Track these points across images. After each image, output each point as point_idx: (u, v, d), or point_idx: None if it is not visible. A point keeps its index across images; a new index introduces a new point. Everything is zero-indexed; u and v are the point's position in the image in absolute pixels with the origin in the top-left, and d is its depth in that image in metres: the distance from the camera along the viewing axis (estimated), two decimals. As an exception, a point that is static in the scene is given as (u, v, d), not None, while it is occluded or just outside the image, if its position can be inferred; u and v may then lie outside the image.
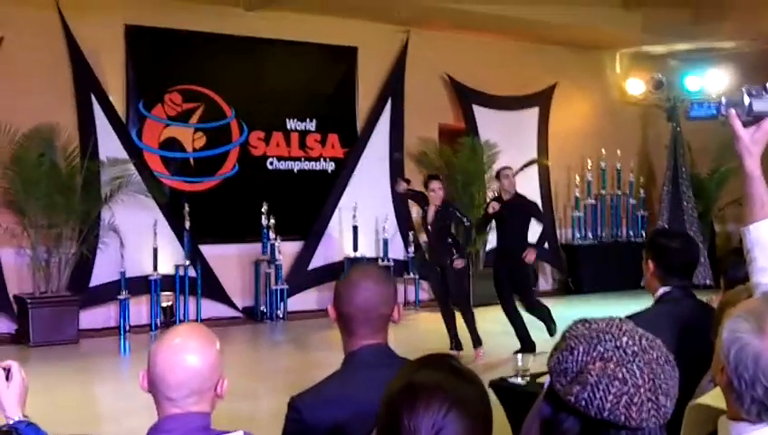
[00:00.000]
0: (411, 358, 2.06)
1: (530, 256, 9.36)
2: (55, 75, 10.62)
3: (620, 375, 1.50)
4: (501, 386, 4.54)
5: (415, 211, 12.89)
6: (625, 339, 1.55)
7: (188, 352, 2.27)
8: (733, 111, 2.33)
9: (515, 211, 9.38)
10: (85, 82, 10.74)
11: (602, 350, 1.53)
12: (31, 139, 9.99)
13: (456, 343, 9.19)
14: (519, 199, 9.57)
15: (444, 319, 9.28)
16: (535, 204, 9.74)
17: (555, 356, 1.59)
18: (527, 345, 9.08)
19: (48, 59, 10.59)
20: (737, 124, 2.33)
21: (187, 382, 2.26)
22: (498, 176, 9.77)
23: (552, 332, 9.37)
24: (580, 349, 1.55)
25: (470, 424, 1.52)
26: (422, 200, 9.49)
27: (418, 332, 9.19)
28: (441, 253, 9.20)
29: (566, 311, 12.42)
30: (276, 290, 11.54)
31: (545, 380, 1.64)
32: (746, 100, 2.31)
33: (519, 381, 4.45)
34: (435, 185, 9.22)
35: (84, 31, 10.69)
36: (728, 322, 1.87)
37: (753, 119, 2.33)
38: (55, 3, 10.53)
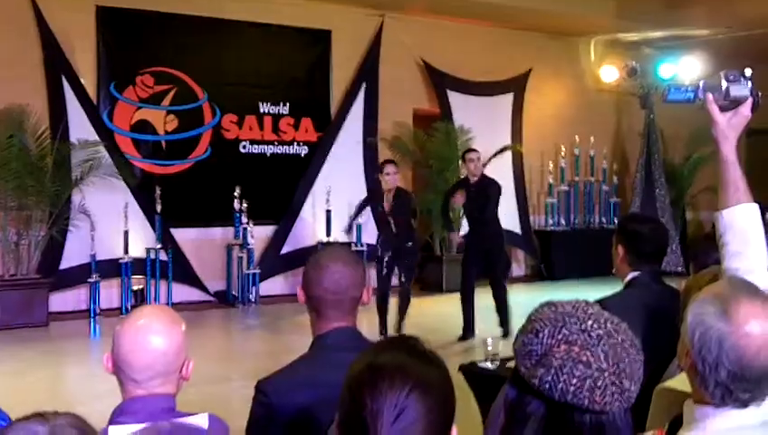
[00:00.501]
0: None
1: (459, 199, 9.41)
2: (26, 57, 10.50)
3: (584, 359, 1.50)
4: (470, 370, 4.55)
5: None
6: (590, 322, 1.54)
7: (153, 334, 2.25)
8: (710, 95, 2.33)
9: (482, 194, 9.38)
10: (56, 64, 10.63)
11: (567, 333, 1.53)
12: (1, 120, 9.86)
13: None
14: (485, 181, 9.55)
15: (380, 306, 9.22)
16: (497, 184, 9.71)
17: (521, 339, 1.59)
18: (470, 333, 9.31)
19: (18, 40, 10.47)
20: (714, 109, 2.34)
21: (152, 364, 2.24)
22: (464, 159, 9.77)
23: (505, 332, 9.27)
24: (546, 332, 1.54)
25: (432, 406, 1.51)
26: (373, 201, 9.43)
27: (389, 315, 9.21)
28: (403, 238, 9.17)
29: (538, 296, 12.29)
30: (248, 274, 11.50)
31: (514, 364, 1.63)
32: (724, 84, 2.32)
33: (488, 365, 4.46)
34: (390, 168, 9.17)
35: (55, 12, 10.57)
36: (693, 305, 1.87)
37: (729, 103, 2.34)
38: (25, -16, 10.41)
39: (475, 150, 9.87)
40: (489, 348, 4.46)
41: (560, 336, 1.53)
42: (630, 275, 3.65)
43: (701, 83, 2.36)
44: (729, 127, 2.34)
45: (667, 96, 2.39)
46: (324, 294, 2.64)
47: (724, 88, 2.32)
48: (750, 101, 2.34)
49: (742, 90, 2.33)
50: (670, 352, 2.75)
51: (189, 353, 2.35)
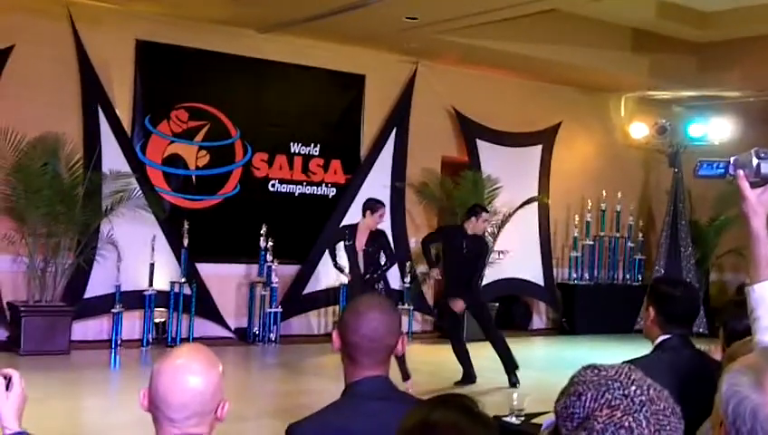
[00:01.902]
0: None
1: (459, 306, 9.54)
2: (64, 86, 10.66)
3: (627, 424, 1.51)
4: (495, 424, 4.52)
5: (413, 241, 12.92)
6: (633, 388, 1.56)
7: (192, 374, 2.26)
8: (741, 171, 2.36)
9: (475, 249, 9.56)
10: (93, 94, 10.77)
11: (610, 397, 1.54)
12: (35, 147, 10.00)
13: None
14: (479, 239, 9.75)
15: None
16: (488, 244, 9.83)
17: (563, 401, 1.60)
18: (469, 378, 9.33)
19: (57, 69, 10.62)
20: (745, 185, 2.37)
21: (189, 404, 2.24)
22: (476, 214, 9.73)
23: (511, 381, 9.33)
24: (589, 395, 1.56)
25: None
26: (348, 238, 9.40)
27: (411, 363, 9.16)
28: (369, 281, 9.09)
29: (560, 351, 12.45)
30: (270, 313, 11.51)
31: (543, 420, 1.64)
32: (755, 161, 2.35)
33: (513, 420, 4.44)
34: (382, 210, 9.37)
35: (95, 43, 10.73)
36: (727, 376, 1.88)
37: (760, 180, 2.37)
38: (68, 14, 10.58)
39: (488, 211, 10.12)
40: (515, 403, 4.44)
41: (602, 400, 1.54)
42: (660, 338, 3.63)
43: (732, 159, 2.40)
44: (759, 203, 2.38)
45: (698, 171, 2.43)
46: (361, 340, 2.63)
47: (755, 165, 2.35)
48: None
49: None
50: (700, 418, 2.75)
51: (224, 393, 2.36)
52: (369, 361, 2.66)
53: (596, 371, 1.61)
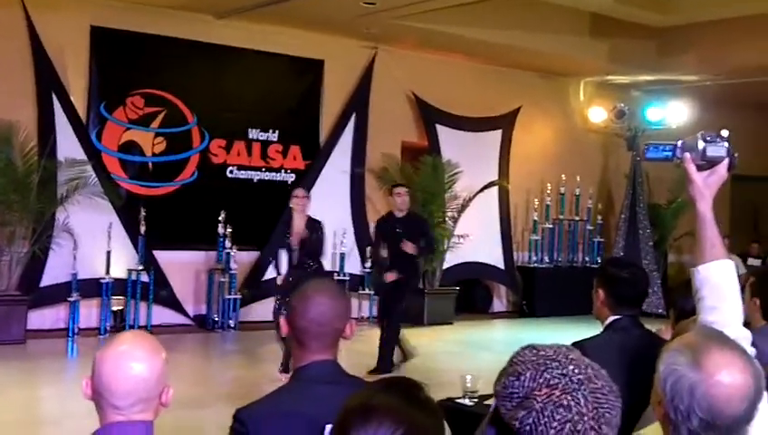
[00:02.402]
0: (359, 374, 2.05)
1: (408, 247, 9.08)
2: (17, 73, 10.52)
3: (565, 402, 1.52)
4: (448, 406, 4.55)
5: (373, 226, 12.92)
6: (571, 367, 1.56)
7: (135, 360, 2.25)
8: (687, 154, 2.39)
9: (409, 229, 9.26)
10: (47, 81, 10.64)
11: (549, 377, 1.55)
12: (-12, 135, 9.86)
13: None
14: (413, 217, 9.54)
15: None
16: (425, 221, 9.65)
17: (502, 381, 1.60)
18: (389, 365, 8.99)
19: (11, 56, 10.48)
20: (691, 168, 2.40)
21: (134, 391, 2.23)
22: (391, 193, 9.65)
23: (378, 368, 8.86)
24: (527, 375, 1.56)
25: None
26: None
27: (371, 347, 9.18)
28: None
29: (520, 334, 12.52)
30: (229, 299, 11.46)
31: (492, 402, 1.64)
32: (701, 145, 2.39)
33: (466, 401, 4.46)
34: (300, 193, 9.05)
35: (49, 30, 10.59)
36: (665, 355, 1.90)
37: (706, 163, 2.40)
38: (21, 0, 10.41)
39: (402, 185, 9.78)
40: (468, 385, 4.46)
41: (541, 380, 1.55)
42: (610, 319, 3.67)
43: (679, 143, 2.43)
44: (705, 186, 2.42)
45: (646, 154, 2.46)
46: (308, 325, 2.63)
47: (701, 148, 2.39)
48: (726, 161, 2.41)
49: (719, 150, 2.40)
50: (647, 398, 2.77)
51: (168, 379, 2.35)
52: (316, 345, 2.65)
53: (534, 350, 1.61)
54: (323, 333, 2.66)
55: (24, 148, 10.23)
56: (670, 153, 2.44)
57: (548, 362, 1.57)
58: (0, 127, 9.96)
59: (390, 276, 9.13)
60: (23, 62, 10.56)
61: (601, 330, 3.67)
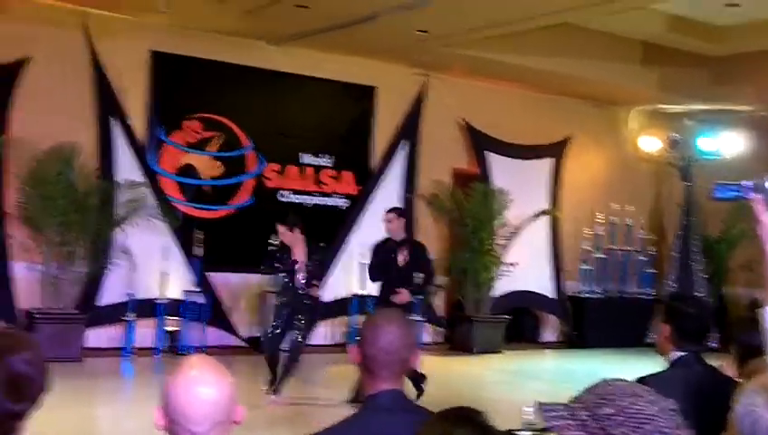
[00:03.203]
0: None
1: (402, 297, 8.67)
2: (78, 96, 10.75)
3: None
4: (508, 438, 4.53)
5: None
6: (642, 403, 1.61)
7: (207, 385, 2.29)
8: (756, 195, 2.41)
9: (417, 258, 8.90)
10: (107, 105, 10.87)
11: (626, 412, 1.58)
12: (50, 157, 10.08)
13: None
14: (410, 242, 9.25)
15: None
16: (423, 246, 9.29)
17: (573, 413, 1.63)
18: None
19: (72, 80, 10.72)
20: (760, 209, 2.41)
21: (210, 414, 2.27)
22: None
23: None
24: (605, 410, 1.59)
25: None
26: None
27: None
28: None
29: (569, 364, 12.46)
30: (281, 323, 11.54)
31: None
32: None
33: (527, 434, 4.45)
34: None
35: (110, 54, 10.83)
36: (742, 396, 1.93)
37: None
38: (83, 25, 10.67)
39: (392, 210, 9.14)
40: (528, 417, 4.46)
41: (620, 416, 1.58)
42: (675, 355, 3.67)
43: (748, 183, 2.44)
44: None
45: (714, 194, 2.48)
46: (377, 353, 2.70)
47: None
48: None
49: None
50: (714, 433, 2.78)
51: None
52: (385, 373, 2.71)
53: (608, 387, 1.67)
54: (391, 361, 2.72)
55: (83, 170, 10.43)
56: (738, 193, 2.46)
57: (624, 397, 1.63)
58: (61, 149, 10.16)
59: (404, 296, 8.75)
60: (84, 85, 10.80)
61: (667, 366, 3.68)
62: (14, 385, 2.21)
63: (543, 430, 4.55)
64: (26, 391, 2.24)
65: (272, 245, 9.08)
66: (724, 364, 4.15)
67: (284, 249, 8.96)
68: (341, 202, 12.58)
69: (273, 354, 8.96)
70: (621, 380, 1.71)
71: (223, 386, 2.32)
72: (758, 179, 2.45)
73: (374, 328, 2.76)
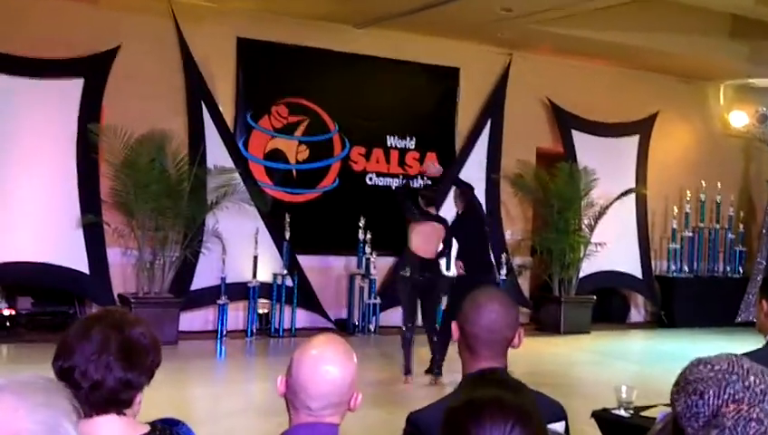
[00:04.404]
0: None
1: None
2: (168, 83, 10.97)
3: (755, 415, 1.55)
4: (605, 417, 4.55)
5: (509, 234, 12.96)
6: (752, 378, 1.60)
7: (331, 364, 2.34)
8: None
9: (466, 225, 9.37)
10: (197, 91, 11.06)
11: (732, 392, 1.59)
12: (143, 143, 10.28)
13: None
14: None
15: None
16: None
17: (683, 400, 1.64)
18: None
19: (162, 67, 10.94)
20: None
21: (328, 394, 2.33)
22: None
23: (433, 370, 8.96)
24: (711, 392, 1.60)
25: (533, 432, 1.63)
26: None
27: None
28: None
29: (658, 344, 12.32)
30: (369, 304, 11.68)
31: (655, 414, 1.70)
32: None
33: (623, 413, 4.46)
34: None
35: (198, 41, 11.02)
36: None
37: None
38: (171, 12, 10.88)
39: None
40: (623, 395, 4.47)
41: (726, 396, 1.58)
42: (775, 333, 3.65)
43: None
44: None
45: None
46: (480, 332, 2.72)
47: None
48: None
49: None
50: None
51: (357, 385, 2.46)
52: (486, 352, 2.74)
53: (709, 366, 1.64)
54: (494, 340, 2.74)
55: (176, 156, 10.61)
56: None
57: (727, 375, 1.60)
58: (154, 136, 10.34)
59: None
60: (173, 72, 11.01)
61: (765, 343, 3.65)
62: (133, 354, 2.31)
63: (638, 408, 4.57)
64: (142, 362, 2.34)
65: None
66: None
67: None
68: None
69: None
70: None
71: (347, 369, 2.37)
72: None
73: (477, 307, 2.79)
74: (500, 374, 1.76)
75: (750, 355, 3.43)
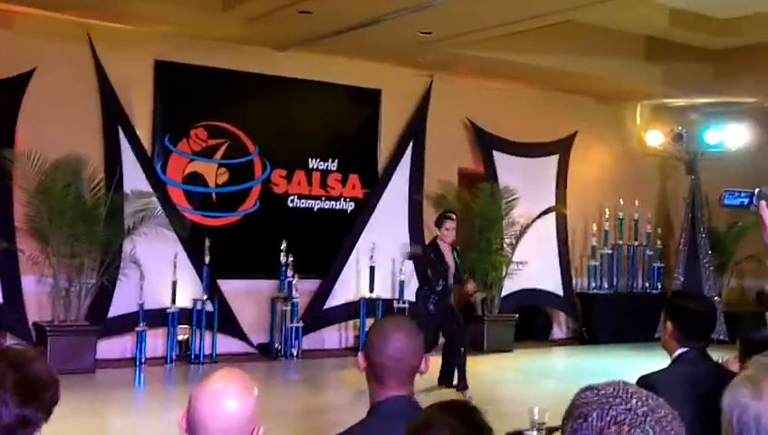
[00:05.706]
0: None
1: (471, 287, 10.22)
2: (84, 107, 10.79)
3: None
4: (516, 438, 4.59)
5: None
6: (634, 401, 1.63)
7: (229, 398, 2.33)
8: (764, 203, 2.45)
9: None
10: (113, 115, 10.90)
11: (615, 413, 1.61)
12: (58, 169, 10.09)
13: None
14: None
15: (455, 360, 9.42)
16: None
17: (569, 425, 1.66)
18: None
19: (78, 91, 10.76)
20: (767, 216, 2.45)
21: (227, 429, 2.31)
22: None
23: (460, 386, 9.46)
24: (594, 415, 1.62)
25: None
26: (435, 264, 9.61)
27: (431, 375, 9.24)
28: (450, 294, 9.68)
29: (580, 362, 12.48)
30: (292, 328, 11.59)
31: None
32: None
33: (535, 434, 4.50)
34: (450, 225, 9.57)
35: (115, 64, 10.86)
36: (728, 390, 1.97)
37: None
38: (87, 36, 10.72)
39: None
40: (536, 417, 4.50)
41: (608, 418, 1.61)
42: (678, 351, 3.71)
43: (756, 191, 2.49)
44: None
45: (723, 201, 2.53)
46: (386, 361, 2.73)
47: None
48: None
49: None
50: (715, 431, 2.82)
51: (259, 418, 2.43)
52: (393, 381, 2.75)
53: (595, 390, 1.68)
54: (400, 369, 2.75)
55: (91, 181, 10.44)
56: (747, 200, 2.50)
57: (610, 399, 1.63)
58: (69, 161, 10.16)
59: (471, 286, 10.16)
60: (89, 96, 10.82)
61: (669, 363, 3.71)
62: (30, 391, 2.26)
63: (550, 429, 4.61)
64: (40, 398, 2.29)
65: (421, 255, 9.59)
66: (729, 358, 4.19)
67: (439, 253, 9.60)
68: (349, 205, 12.61)
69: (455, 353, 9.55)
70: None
71: (245, 402, 2.36)
72: (766, 187, 2.50)
73: (382, 337, 2.79)
74: (466, 406, 1.76)
75: (654, 375, 3.51)
